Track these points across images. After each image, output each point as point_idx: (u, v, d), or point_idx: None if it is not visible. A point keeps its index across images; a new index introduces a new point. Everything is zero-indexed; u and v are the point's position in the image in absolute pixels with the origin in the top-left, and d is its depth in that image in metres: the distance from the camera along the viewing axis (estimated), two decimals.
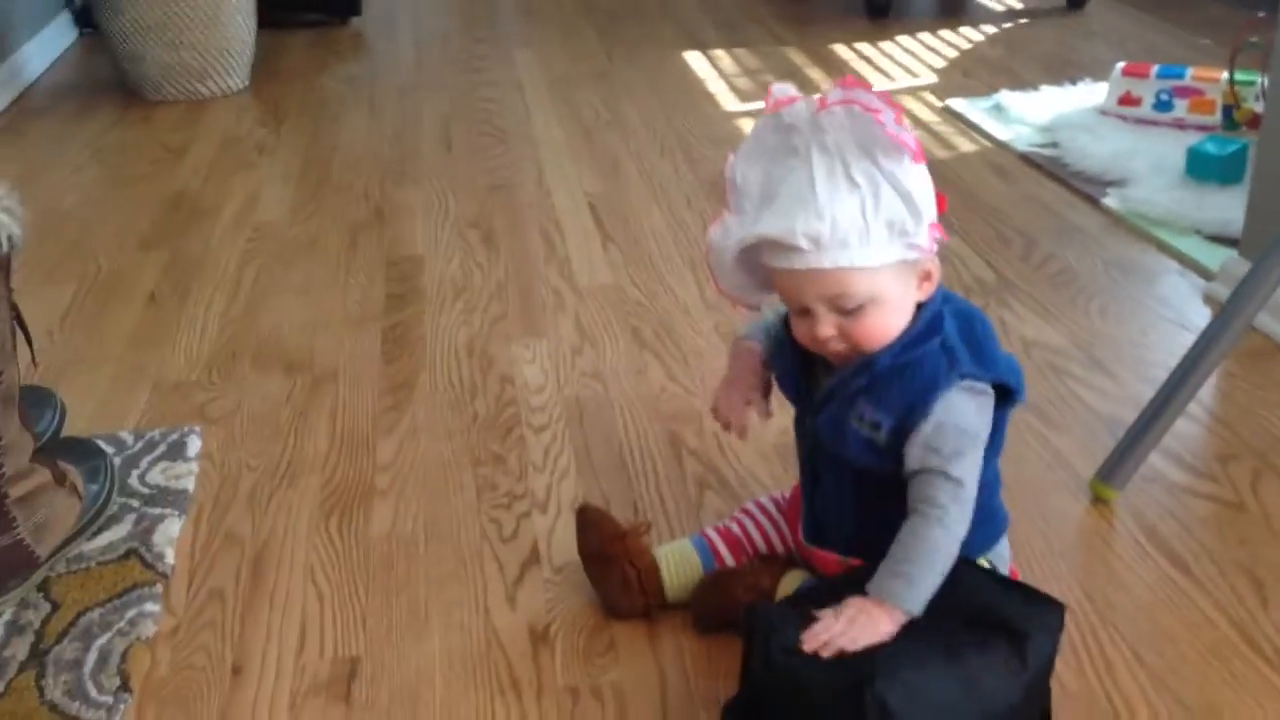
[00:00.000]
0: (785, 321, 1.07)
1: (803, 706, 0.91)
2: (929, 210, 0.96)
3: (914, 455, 0.97)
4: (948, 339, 0.99)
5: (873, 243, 0.95)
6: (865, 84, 0.96)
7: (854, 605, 0.95)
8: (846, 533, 1.07)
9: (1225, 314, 1.28)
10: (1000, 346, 1.03)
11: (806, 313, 0.99)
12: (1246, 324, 1.29)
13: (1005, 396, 1.02)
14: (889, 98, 0.95)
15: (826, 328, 0.98)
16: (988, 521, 1.08)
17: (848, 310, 0.97)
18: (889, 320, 0.98)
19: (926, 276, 1.00)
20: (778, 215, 0.96)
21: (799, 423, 1.10)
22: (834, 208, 0.94)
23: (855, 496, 1.05)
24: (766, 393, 1.14)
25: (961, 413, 0.97)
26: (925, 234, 0.96)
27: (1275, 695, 1.06)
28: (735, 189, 1.02)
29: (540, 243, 2.04)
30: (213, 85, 2.89)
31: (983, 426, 0.99)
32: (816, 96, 0.96)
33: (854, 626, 0.93)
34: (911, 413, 0.97)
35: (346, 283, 1.92)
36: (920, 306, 1.00)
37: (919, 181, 0.96)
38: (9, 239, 1.10)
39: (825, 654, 0.91)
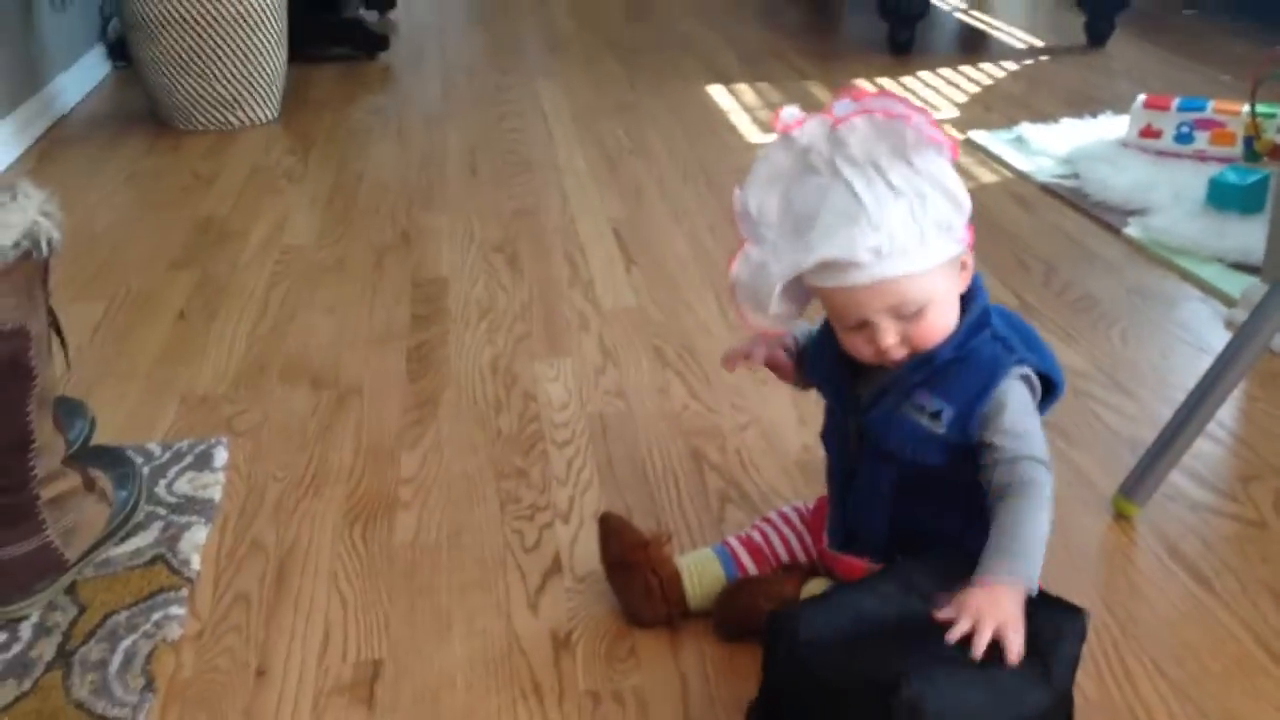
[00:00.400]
0: (823, 330, 1.09)
1: (830, 708, 0.91)
2: (967, 202, 0.98)
3: (994, 443, 0.98)
4: (997, 330, 1.02)
5: (927, 245, 0.96)
6: (871, 93, 0.98)
7: (972, 597, 0.92)
8: (879, 536, 1.08)
9: (1243, 333, 1.29)
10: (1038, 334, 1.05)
11: (863, 326, 1.00)
12: (1265, 343, 1.29)
13: (1048, 391, 1.03)
14: (907, 101, 0.97)
15: (890, 336, 0.99)
16: None
17: (907, 316, 0.98)
18: (945, 317, 1.00)
19: (964, 266, 1.01)
20: (829, 236, 0.95)
21: (833, 428, 1.11)
22: (886, 217, 0.94)
23: (892, 496, 1.06)
24: (790, 358, 1.15)
25: (1023, 398, 1.00)
26: (966, 226, 0.98)
27: None
28: (750, 219, 1.01)
29: (564, 266, 2.06)
30: (243, 115, 2.94)
31: (1037, 409, 1.01)
32: (827, 113, 0.98)
33: (987, 617, 0.90)
34: (977, 400, 0.99)
35: (372, 303, 1.94)
36: (964, 299, 1.02)
37: (953, 176, 0.97)
38: (48, 243, 1.13)
39: (978, 656, 0.89)
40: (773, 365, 1.16)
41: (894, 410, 1.02)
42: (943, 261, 0.98)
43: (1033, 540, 0.96)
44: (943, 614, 0.93)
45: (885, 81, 3.16)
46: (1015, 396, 0.99)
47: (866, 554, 1.09)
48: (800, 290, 1.02)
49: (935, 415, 1.00)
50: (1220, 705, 1.06)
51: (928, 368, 1.01)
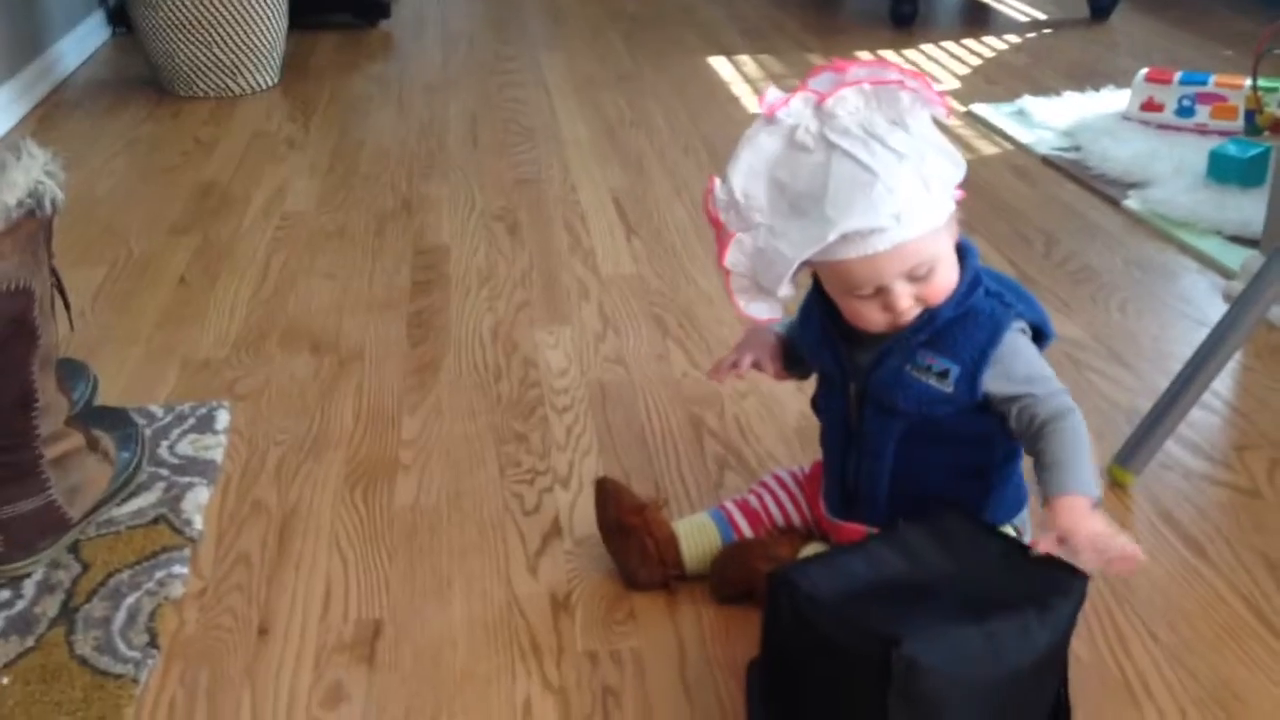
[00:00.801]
0: (806, 306, 1.09)
1: (830, 664, 0.91)
2: (961, 158, 0.99)
3: (1017, 393, 1.00)
4: (989, 286, 1.04)
5: (935, 203, 0.97)
6: (849, 63, 0.98)
7: (1061, 517, 0.94)
8: (880, 495, 1.09)
9: (1240, 304, 1.29)
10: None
11: (878, 293, 1.00)
12: (1261, 314, 1.30)
13: (1037, 340, 1.05)
14: (891, 63, 0.98)
15: (905, 299, 1.00)
16: (1014, 490, 1.11)
17: (921, 277, 0.99)
18: (951, 273, 1.01)
19: (953, 219, 1.02)
20: (847, 207, 0.94)
21: (830, 394, 1.11)
22: (898, 181, 0.94)
23: (895, 457, 1.06)
24: (777, 362, 1.16)
25: (1028, 347, 1.03)
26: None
27: None
28: (738, 207, 0.99)
29: (565, 234, 2.06)
30: (243, 82, 2.93)
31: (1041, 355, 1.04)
32: (807, 90, 0.97)
33: (1078, 533, 0.93)
34: (983, 356, 1.00)
35: (373, 269, 1.95)
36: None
37: (942, 134, 0.98)
38: (52, 202, 1.13)
39: (1097, 565, 0.93)
40: (759, 367, 1.17)
41: (900, 371, 1.03)
42: (947, 218, 0.99)
43: (1089, 458, 0.98)
44: (1043, 545, 0.94)
45: (888, 54, 3.15)
46: (1022, 346, 1.02)
47: (866, 519, 1.10)
48: (797, 271, 1.01)
49: (943, 375, 1.02)
50: (1212, 670, 1.08)
51: (930, 327, 1.02)
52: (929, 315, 1.01)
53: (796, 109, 0.97)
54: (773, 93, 0.99)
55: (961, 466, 1.06)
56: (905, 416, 1.04)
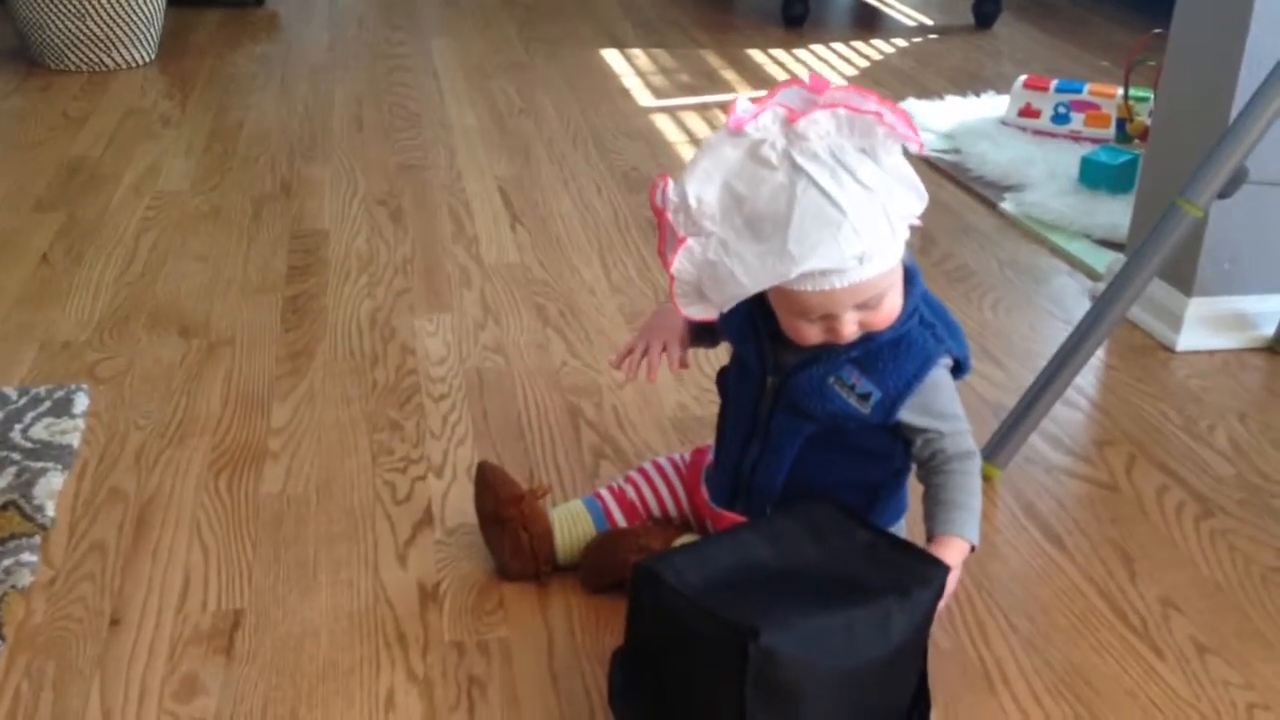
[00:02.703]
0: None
1: (691, 655, 0.92)
2: (924, 190, 0.97)
3: (930, 427, 1.04)
4: (924, 314, 1.04)
5: (897, 240, 0.96)
6: (829, 84, 0.95)
7: (947, 554, 1.01)
8: (773, 496, 1.09)
9: (1100, 303, 1.33)
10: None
11: (824, 318, 0.99)
12: (1121, 314, 1.34)
13: (957, 371, 1.07)
14: (871, 93, 0.95)
15: (850, 326, 0.99)
16: (899, 502, 1.13)
17: (871, 306, 0.99)
18: (899, 299, 1.01)
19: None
20: (812, 247, 0.92)
21: (742, 380, 1.10)
22: (864, 220, 0.92)
23: (797, 457, 1.07)
24: (684, 347, 1.16)
25: (949, 385, 1.05)
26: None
27: (1138, 660, 1.10)
28: (690, 211, 0.96)
29: (449, 221, 2.04)
30: (118, 57, 2.83)
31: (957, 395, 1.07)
32: (776, 104, 0.94)
33: (953, 576, 0.99)
34: (907, 388, 1.02)
35: (248, 253, 1.89)
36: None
37: (908, 165, 0.96)
38: None
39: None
40: (665, 354, 1.16)
41: (823, 381, 1.03)
42: (903, 249, 0.99)
43: (977, 500, 1.06)
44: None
45: (778, 53, 3.18)
46: (943, 383, 1.04)
47: (751, 512, 1.09)
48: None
49: (864, 397, 1.03)
50: (1065, 657, 1.10)
51: (864, 346, 1.02)
52: (866, 335, 1.01)
53: (765, 124, 0.93)
54: (743, 104, 0.95)
55: (858, 476, 1.08)
56: (816, 422, 1.05)
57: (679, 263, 0.98)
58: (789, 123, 0.93)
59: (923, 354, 1.03)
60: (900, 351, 1.02)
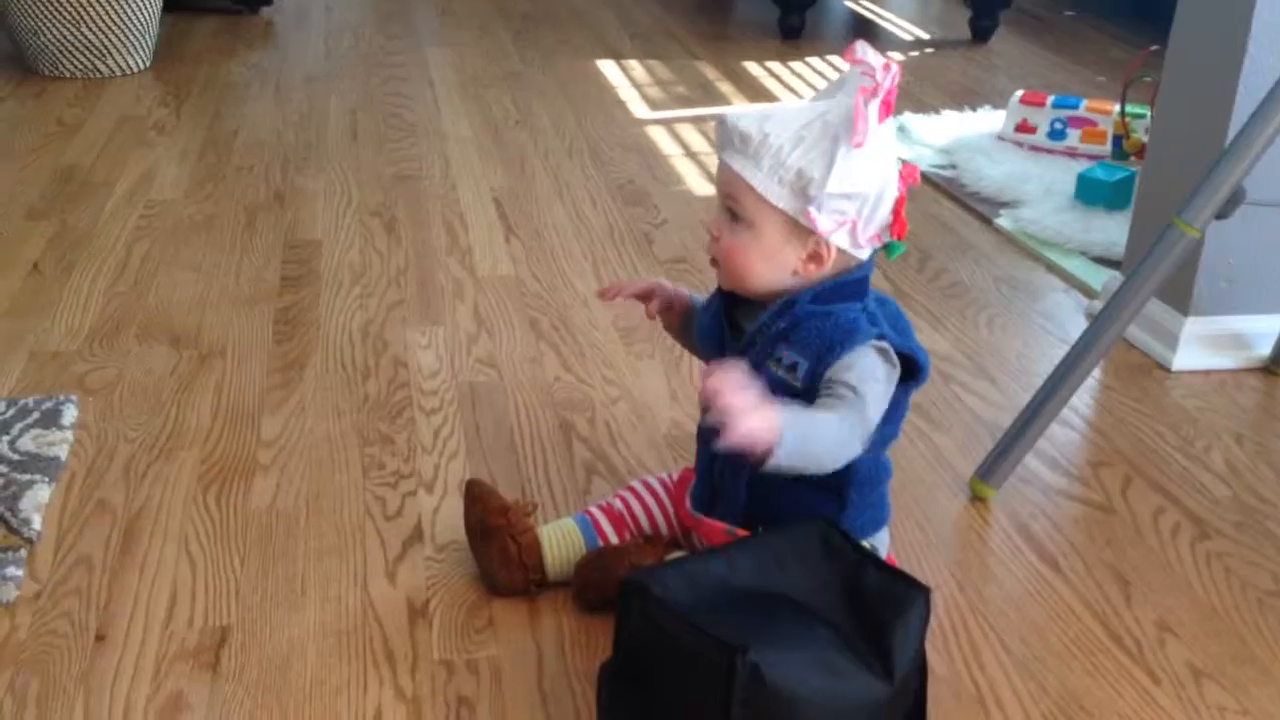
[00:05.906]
0: (709, 298, 1.13)
1: (678, 670, 0.91)
2: (837, 191, 0.99)
3: (841, 378, 1.01)
4: (870, 308, 1.05)
5: (773, 176, 1.00)
6: (869, 58, 1.02)
7: (734, 375, 0.95)
8: (740, 496, 1.08)
9: (1097, 323, 1.32)
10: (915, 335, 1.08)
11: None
12: (1118, 334, 1.33)
13: (910, 375, 1.05)
14: (889, 95, 1.01)
15: (715, 228, 1.06)
16: (878, 506, 1.12)
17: (736, 221, 1.03)
18: (755, 256, 1.03)
19: (814, 258, 1.02)
20: (747, 111, 1.02)
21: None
22: (779, 129, 0.99)
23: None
24: (671, 308, 1.19)
25: (875, 365, 1.02)
26: (823, 210, 0.98)
27: (1132, 684, 1.09)
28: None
29: (443, 233, 2.03)
30: (113, 64, 2.82)
31: (888, 385, 1.03)
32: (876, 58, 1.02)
33: (737, 394, 0.93)
34: (828, 353, 1.01)
35: (241, 263, 1.88)
36: (848, 282, 1.04)
37: (859, 169, 0.99)
38: None
39: (708, 400, 0.94)
40: (666, 305, 1.18)
41: (759, 363, 1.04)
42: (780, 207, 1.01)
43: (814, 426, 0.98)
44: (709, 381, 0.94)
45: (774, 65, 3.18)
46: (868, 361, 1.02)
47: (726, 516, 1.10)
48: None
49: (791, 368, 1.03)
50: (1060, 681, 1.10)
51: (788, 315, 1.03)
52: (788, 302, 1.03)
53: (871, 59, 1.03)
54: (861, 47, 1.04)
55: (820, 476, 1.06)
56: None
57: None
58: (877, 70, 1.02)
59: (850, 328, 1.02)
60: (826, 322, 1.03)
